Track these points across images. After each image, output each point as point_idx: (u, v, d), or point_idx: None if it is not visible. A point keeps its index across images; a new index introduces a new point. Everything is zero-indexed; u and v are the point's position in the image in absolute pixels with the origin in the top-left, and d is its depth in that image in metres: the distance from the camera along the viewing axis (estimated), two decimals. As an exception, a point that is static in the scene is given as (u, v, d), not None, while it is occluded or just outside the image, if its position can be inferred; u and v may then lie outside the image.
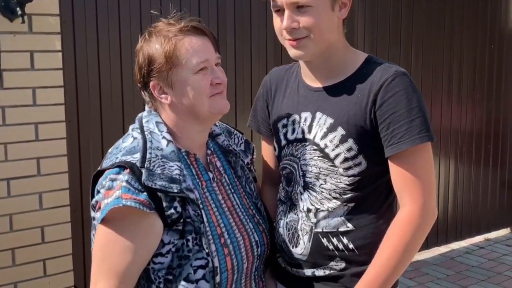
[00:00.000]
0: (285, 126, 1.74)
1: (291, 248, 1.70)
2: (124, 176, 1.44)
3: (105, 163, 1.52)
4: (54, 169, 2.91)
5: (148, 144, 1.50)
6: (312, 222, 1.65)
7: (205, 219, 1.53)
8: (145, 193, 1.43)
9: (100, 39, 3.14)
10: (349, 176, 1.61)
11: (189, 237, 1.48)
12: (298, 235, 1.68)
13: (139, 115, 1.62)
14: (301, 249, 1.68)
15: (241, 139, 1.79)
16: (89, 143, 3.14)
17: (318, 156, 1.64)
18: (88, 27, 3.09)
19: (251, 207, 1.70)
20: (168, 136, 1.54)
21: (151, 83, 1.56)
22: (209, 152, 1.67)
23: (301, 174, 1.68)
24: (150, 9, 3.22)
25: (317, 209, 1.65)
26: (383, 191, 1.65)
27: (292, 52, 1.63)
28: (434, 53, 4.73)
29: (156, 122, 1.56)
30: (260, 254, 1.66)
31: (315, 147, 1.65)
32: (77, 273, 3.06)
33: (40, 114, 2.85)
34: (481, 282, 4.41)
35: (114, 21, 3.17)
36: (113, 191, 1.43)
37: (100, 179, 1.49)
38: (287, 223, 1.71)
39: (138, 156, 1.47)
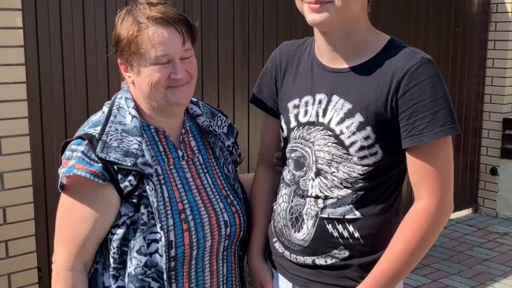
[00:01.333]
0: (296, 107, 1.64)
1: (292, 232, 1.63)
2: (82, 147, 1.50)
3: (76, 133, 1.58)
4: (16, 149, 2.85)
5: (111, 118, 1.55)
6: (319, 207, 1.59)
7: (165, 194, 1.55)
8: (99, 164, 1.49)
9: (63, 15, 3.06)
10: (363, 166, 1.53)
11: (144, 211, 1.51)
12: (303, 219, 1.61)
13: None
14: (303, 234, 1.61)
15: (225, 122, 1.76)
16: (51, 122, 3.08)
17: (332, 143, 1.56)
18: (50, 3, 3.02)
19: (226, 188, 1.69)
20: (134, 112, 1.57)
21: (119, 60, 1.60)
22: (183, 131, 1.67)
23: (314, 159, 1.59)
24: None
25: (326, 196, 1.58)
26: (393, 182, 1.59)
27: (312, 17, 1.50)
28: (400, 36, 4.76)
29: (125, 98, 1.60)
30: (230, 234, 1.65)
31: (329, 133, 1.56)
32: (40, 255, 3.01)
33: (1, 92, 2.77)
34: (443, 261, 4.51)
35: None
36: (70, 161, 1.51)
37: (66, 150, 1.55)
38: (291, 206, 1.64)
39: (98, 128, 1.53)
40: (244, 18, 3.84)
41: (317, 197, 1.59)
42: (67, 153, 1.53)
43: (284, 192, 1.68)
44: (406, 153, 1.52)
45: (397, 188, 1.60)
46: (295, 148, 1.65)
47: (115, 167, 1.49)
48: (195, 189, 1.63)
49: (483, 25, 5.40)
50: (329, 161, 1.57)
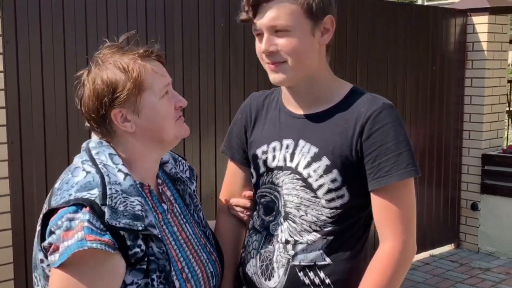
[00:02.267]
0: (265, 152, 1.68)
1: (263, 280, 1.64)
2: (85, 215, 1.32)
3: (55, 200, 1.39)
4: (-5, 192, 2.84)
5: (106, 179, 1.39)
6: (289, 255, 1.60)
7: (170, 255, 1.46)
8: (108, 233, 1.33)
9: (44, 60, 3.09)
10: (331, 209, 1.56)
11: (154, 276, 1.41)
12: (273, 268, 1.62)
13: (84, 145, 1.51)
14: (274, 283, 1.61)
15: (185, 166, 1.74)
16: (32, 165, 3.07)
17: (301, 186, 1.59)
18: (31, 48, 3.04)
19: (202, 236, 1.66)
20: (125, 169, 1.44)
21: (113, 112, 1.45)
22: (159, 181, 1.60)
23: (283, 203, 1.62)
24: (96, 31, 3.21)
25: (295, 241, 1.59)
26: (361, 226, 1.62)
27: (272, 77, 1.59)
28: (378, 74, 4.86)
29: (110, 154, 1.45)
30: (215, 285, 1.63)
31: (298, 176, 1.59)
32: (19, 299, 2.98)
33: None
34: (426, 298, 4.51)
35: (59, 43, 3.13)
36: (72, 232, 1.31)
37: (53, 219, 1.35)
38: (261, 254, 1.65)
39: (96, 192, 1.36)
40: (225, 56, 3.88)
41: (286, 242, 1.60)
42: (64, 223, 1.32)
43: (254, 238, 1.69)
44: (371, 194, 1.55)
45: (365, 232, 1.64)
46: (264, 193, 1.68)
47: (122, 232, 1.35)
48: (184, 243, 1.57)
49: (460, 63, 5.52)
50: (297, 205, 1.60)
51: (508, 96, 6.48)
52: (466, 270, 5.14)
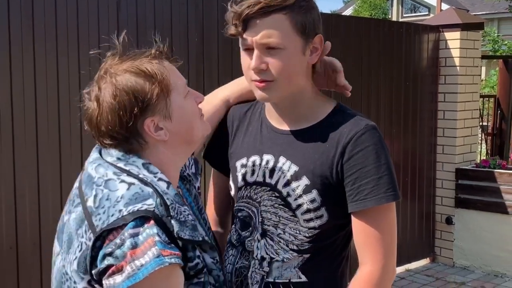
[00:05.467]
0: (244, 166, 1.64)
1: None
2: (152, 229, 1.22)
3: (100, 220, 1.24)
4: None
5: (158, 189, 1.29)
6: (264, 271, 1.58)
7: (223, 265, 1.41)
8: (173, 245, 1.25)
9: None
10: (309, 229, 1.54)
11: None
12: (247, 283, 1.60)
13: (98, 157, 1.37)
14: None
15: (191, 160, 1.61)
16: None
17: (279, 204, 1.56)
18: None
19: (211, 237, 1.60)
20: (165, 177, 1.33)
21: (145, 122, 1.33)
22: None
23: (260, 220, 1.60)
24: (89, 46, 3.17)
25: (271, 258, 1.57)
26: (339, 245, 1.59)
27: (259, 94, 1.53)
28: (352, 89, 4.86)
29: (144, 164, 1.34)
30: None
31: (276, 194, 1.57)
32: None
33: None
34: (402, 313, 4.50)
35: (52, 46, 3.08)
36: (141, 248, 1.20)
37: (111, 240, 1.22)
38: (236, 269, 1.63)
39: (151, 202, 1.25)
40: (199, 69, 3.86)
41: (262, 259, 1.58)
42: (128, 241, 1.20)
43: (230, 253, 1.67)
44: (352, 216, 1.53)
45: (343, 251, 1.61)
46: (242, 207, 1.65)
47: (180, 243, 1.27)
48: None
49: (433, 78, 5.57)
50: (275, 223, 1.57)
51: (481, 111, 6.56)
52: (441, 284, 5.15)
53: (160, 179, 1.32)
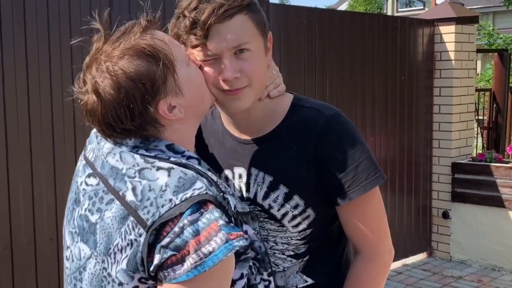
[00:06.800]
0: None
1: None
2: (213, 213, 1.13)
3: (149, 213, 1.15)
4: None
5: (198, 168, 1.20)
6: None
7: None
8: (233, 224, 1.17)
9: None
10: (299, 232, 1.50)
11: (251, 263, 1.27)
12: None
13: (114, 147, 1.26)
14: None
15: None
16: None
17: (264, 218, 1.50)
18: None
19: None
20: (194, 154, 1.27)
21: (159, 106, 1.22)
22: None
23: None
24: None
25: (272, 271, 1.52)
26: (335, 238, 1.56)
27: (232, 105, 1.41)
28: (347, 84, 4.87)
29: (167, 146, 1.25)
30: None
31: (258, 208, 1.50)
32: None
33: None
34: (399, 308, 4.50)
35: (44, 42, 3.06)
36: (205, 235, 1.11)
37: (168, 232, 1.12)
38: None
39: (201, 185, 1.16)
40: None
41: None
42: (189, 228, 1.11)
43: None
44: (337, 209, 1.50)
45: (340, 241, 1.58)
46: None
47: (233, 219, 1.19)
48: None
49: (428, 72, 5.56)
50: (265, 237, 1.52)
51: (477, 105, 6.55)
52: (438, 278, 5.15)
53: (189, 157, 1.24)
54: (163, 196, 1.15)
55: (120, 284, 1.18)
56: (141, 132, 1.24)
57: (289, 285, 1.55)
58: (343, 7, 26.93)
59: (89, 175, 1.30)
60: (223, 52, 1.34)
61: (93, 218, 1.24)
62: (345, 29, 4.84)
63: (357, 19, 5.02)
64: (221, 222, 1.13)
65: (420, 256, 5.70)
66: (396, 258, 5.37)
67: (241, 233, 1.15)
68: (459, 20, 5.48)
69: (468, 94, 5.67)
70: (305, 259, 1.54)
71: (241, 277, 1.22)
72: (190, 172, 1.19)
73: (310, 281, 1.55)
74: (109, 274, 1.19)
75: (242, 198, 1.51)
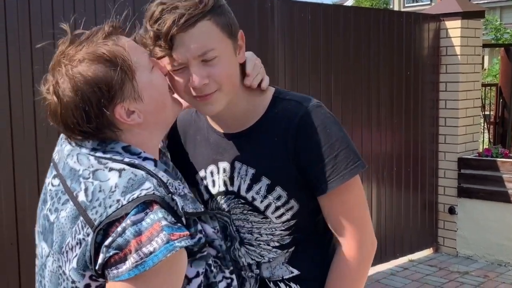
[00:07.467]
0: (203, 178, 1.59)
1: None
2: (156, 213, 1.15)
3: (97, 213, 1.18)
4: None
5: (149, 169, 1.23)
6: (255, 273, 1.58)
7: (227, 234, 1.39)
8: (180, 224, 1.18)
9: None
10: (283, 223, 1.52)
11: (210, 261, 1.30)
12: (244, 278, 1.59)
13: (73, 148, 1.30)
14: None
15: None
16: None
17: (248, 210, 1.53)
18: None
19: None
20: (150, 155, 1.28)
21: (116, 110, 1.25)
22: None
23: (234, 229, 1.57)
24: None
25: (258, 262, 1.57)
26: (321, 229, 1.58)
27: (205, 109, 1.44)
28: (352, 79, 4.86)
29: (123, 147, 1.28)
30: None
31: (242, 201, 1.53)
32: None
33: None
34: (405, 303, 4.50)
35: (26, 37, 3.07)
36: (147, 234, 1.14)
37: (113, 232, 1.15)
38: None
39: (150, 185, 1.19)
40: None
41: (249, 265, 1.58)
42: (130, 229, 1.14)
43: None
44: (318, 200, 1.52)
45: (325, 233, 1.59)
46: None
47: (183, 219, 1.22)
48: None
49: (434, 67, 5.54)
50: (249, 229, 1.55)
51: (483, 100, 6.53)
52: (445, 274, 5.14)
53: (145, 158, 1.27)
54: (112, 196, 1.18)
55: (73, 282, 1.22)
56: (99, 135, 1.27)
57: (275, 276, 1.56)
58: (349, 2, 26.87)
59: (54, 176, 1.34)
60: (189, 61, 1.36)
61: (52, 218, 1.29)
62: (350, 25, 4.83)
63: (362, 15, 5.00)
64: (164, 222, 1.15)
65: (426, 252, 5.69)
66: (402, 254, 5.39)
67: (185, 233, 1.17)
68: (465, 15, 5.45)
69: (474, 89, 5.65)
70: (290, 250, 1.55)
71: (197, 275, 1.25)
72: (140, 173, 1.21)
73: (296, 272, 1.56)
74: (64, 272, 1.24)
75: (226, 192, 1.54)
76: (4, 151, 2.99)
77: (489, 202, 5.36)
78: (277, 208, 1.51)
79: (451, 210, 5.59)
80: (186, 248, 1.19)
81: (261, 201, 1.51)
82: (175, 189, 1.24)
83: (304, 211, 1.52)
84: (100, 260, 1.16)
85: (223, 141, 1.55)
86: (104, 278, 1.20)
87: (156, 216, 1.15)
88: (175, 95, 1.42)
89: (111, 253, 1.15)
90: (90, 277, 1.21)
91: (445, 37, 5.53)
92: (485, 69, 16.22)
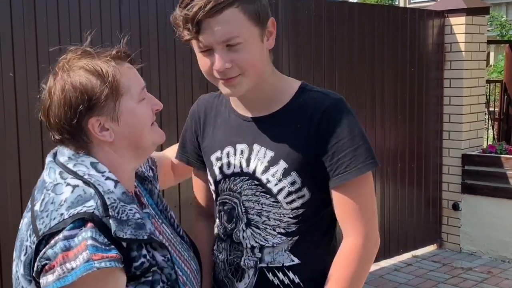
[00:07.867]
0: (219, 159, 1.63)
1: (235, 282, 1.63)
2: (86, 232, 1.22)
3: (43, 224, 1.26)
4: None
5: (100, 188, 1.28)
6: (257, 257, 1.60)
7: (176, 262, 1.41)
8: (113, 246, 1.24)
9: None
10: (292, 210, 1.55)
11: (159, 287, 1.34)
12: (243, 269, 1.61)
13: (50, 158, 1.40)
14: (245, 284, 1.61)
15: (147, 164, 1.63)
16: None
17: (260, 192, 1.57)
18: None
19: (177, 235, 1.61)
20: (113, 176, 1.33)
21: (90, 121, 1.33)
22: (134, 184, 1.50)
23: (243, 210, 1.60)
24: (69, 29, 3.17)
25: (261, 246, 1.59)
26: (326, 222, 1.61)
27: (226, 91, 1.51)
28: (357, 76, 4.86)
29: (92, 163, 1.34)
30: (200, 281, 1.60)
31: (256, 182, 1.56)
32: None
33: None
34: (409, 299, 4.51)
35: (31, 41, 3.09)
36: (74, 252, 1.20)
37: (51, 243, 1.23)
38: (229, 259, 1.65)
39: (92, 203, 1.25)
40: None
41: (252, 247, 1.60)
42: (60, 243, 1.21)
43: (221, 246, 1.68)
44: (331, 191, 1.54)
45: (330, 228, 1.63)
46: (225, 200, 1.66)
47: (124, 244, 1.27)
48: (168, 245, 1.46)
49: (438, 64, 5.54)
50: (259, 211, 1.58)
51: (488, 97, 6.52)
52: (448, 270, 5.15)
53: (108, 178, 1.32)
54: (59, 210, 1.26)
55: (23, 287, 1.31)
56: (74, 141, 1.36)
57: (276, 262, 1.58)
58: (354, -1, 26.82)
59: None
60: (213, 45, 1.44)
61: (21, 224, 1.38)
62: (354, 21, 4.84)
63: (366, 11, 5.01)
64: (89, 242, 1.21)
65: (430, 248, 5.70)
66: (406, 250, 5.41)
67: (111, 255, 1.22)
68: (469, 11, 5.45)
69: (478, 85, 5.65)
70: (294, 238, 1.58)
71: None
72: (89, 191, 1.28)
73: (296, 260, 1.58)
74: (18, 277, 1.32)
75: (241, 174, 1.59)
76: (10, 151, 3.02)
77: (493, 198, 5.36)
78: (290, 193, 1.54)
79: (455, 206, 5.60)
80: (130, 271, 1.27)
81: (275, 184, 1.54)
82: (117, 212, 1.28)
83: (313, 202, 1.55)
84: (35, 268, 1.25)
85: (244, 123, 1.61)
86: None
87: (86, 235, 1.22)
88: (155, 127, 1.47)
89: (42, 263, 1.23)
90: (36, 284, 1.28)
91: (449, 33, 5.53)
92: (491, 66, 16.17)
